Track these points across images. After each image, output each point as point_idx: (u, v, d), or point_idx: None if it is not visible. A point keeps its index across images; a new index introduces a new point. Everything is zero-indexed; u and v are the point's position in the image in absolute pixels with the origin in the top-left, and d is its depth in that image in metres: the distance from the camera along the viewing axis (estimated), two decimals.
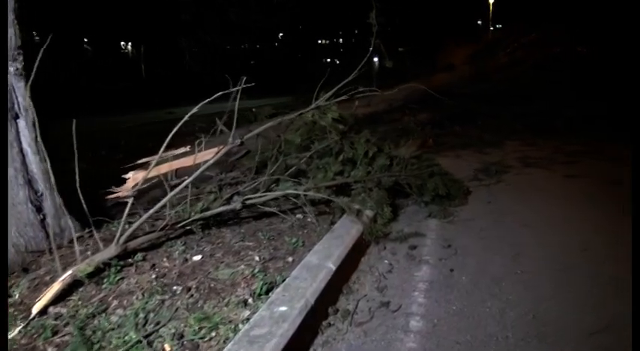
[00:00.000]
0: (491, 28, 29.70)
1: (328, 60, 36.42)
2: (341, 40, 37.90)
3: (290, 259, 2.64)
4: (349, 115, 4.98)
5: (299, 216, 3.31)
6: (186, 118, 2.76)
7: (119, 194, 4.12)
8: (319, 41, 36.85)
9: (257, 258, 2.66)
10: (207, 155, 4.80)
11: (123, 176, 4.31)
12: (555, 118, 7.29)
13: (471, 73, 7.71)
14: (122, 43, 27.74)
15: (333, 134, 3.65)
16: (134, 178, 4.36)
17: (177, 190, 2.79)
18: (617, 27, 8.23)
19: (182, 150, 4.85)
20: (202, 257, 2.72)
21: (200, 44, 27.34)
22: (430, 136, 6.56)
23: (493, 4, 29.16)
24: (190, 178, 2.74)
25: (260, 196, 2.97)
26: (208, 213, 2.95)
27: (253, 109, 6.08)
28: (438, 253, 2.96)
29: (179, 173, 4.45)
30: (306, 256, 2.57)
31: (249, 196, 2.93)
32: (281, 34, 31.23)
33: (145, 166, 4.46)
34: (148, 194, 4.07)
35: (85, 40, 26.58)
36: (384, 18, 3.50)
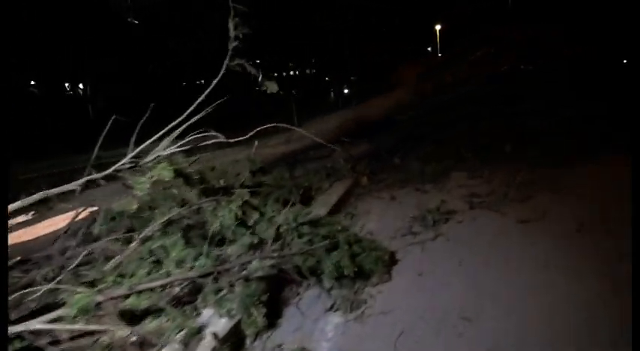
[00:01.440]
0: (440, 55, 29.90)
1: (281, 92, 35.68)
2: (296, 72, 37.29)
3: None
4: (251, 161, 3.82)
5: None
6: None
7: None
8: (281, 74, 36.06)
9: None
10: (55, 223, 3.51)
11: None
12: (503, 143, 6.36)
13: (415, 94, 6.73)
14: (67, 84, 26.04)
15: (190, 196, 2.44)
16: None
17: None
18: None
19: (22, 218, 3.57)
20: None
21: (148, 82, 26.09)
22: (364, 173, 5.46)
23: (440, 31, 29.38)
24: None
25: None
26: None
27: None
28: None
29: (14, 250, 3.10)
30: None
31: None
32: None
33: None
34: None
35: (32, 82, 24.99)
36: (249, 28, 2.41)
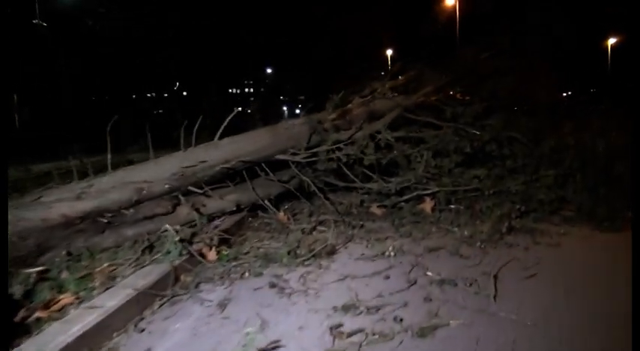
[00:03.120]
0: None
1: (240, 108, 34.34)
2: (251, 89, 35.37)
3: None
4: None
5: None
6: None
7: None
8: (230, 90, 34.05)
9: None
10: None
11: None
12: (415, 198, 4.60)
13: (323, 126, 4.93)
14: None
15: None
16: None
17: None
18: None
19: None
20: None
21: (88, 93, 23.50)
22: (211, 244, 3.47)
23: (391, 57, 28.50)
24: None
25: None
26: None
27: None
28: None
29: None
30: None
31: None
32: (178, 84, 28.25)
33: None
34: None
35: None
36: None
